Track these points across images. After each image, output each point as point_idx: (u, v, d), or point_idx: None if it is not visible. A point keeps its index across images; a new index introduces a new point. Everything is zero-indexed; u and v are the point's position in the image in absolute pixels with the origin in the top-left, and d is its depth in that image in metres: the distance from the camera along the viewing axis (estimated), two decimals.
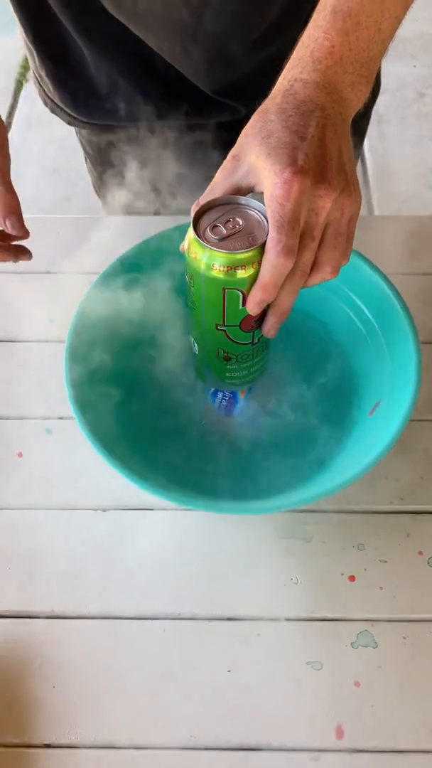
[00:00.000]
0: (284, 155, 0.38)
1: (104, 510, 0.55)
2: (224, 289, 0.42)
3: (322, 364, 0.57)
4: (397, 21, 0.43)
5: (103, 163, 0.78)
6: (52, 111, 0.71)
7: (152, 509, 0.55)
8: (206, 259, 0.41)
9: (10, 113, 1.94)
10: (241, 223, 0.41)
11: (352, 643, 0.49)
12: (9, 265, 0.70)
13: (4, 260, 0.54)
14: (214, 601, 0.51)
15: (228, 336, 0.46)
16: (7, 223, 0.51)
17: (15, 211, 0.51)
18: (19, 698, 0.47)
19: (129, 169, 0.76)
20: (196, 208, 0.42)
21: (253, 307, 0.42)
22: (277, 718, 0.47)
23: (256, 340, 0.47)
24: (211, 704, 0.47)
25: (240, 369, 0.49)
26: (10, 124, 1.88)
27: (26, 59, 2.20)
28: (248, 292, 0.42)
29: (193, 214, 0.42)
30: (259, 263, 0.40)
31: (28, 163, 1.82)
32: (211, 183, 0.43)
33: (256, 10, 0.58)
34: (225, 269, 0.41)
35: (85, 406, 0.50)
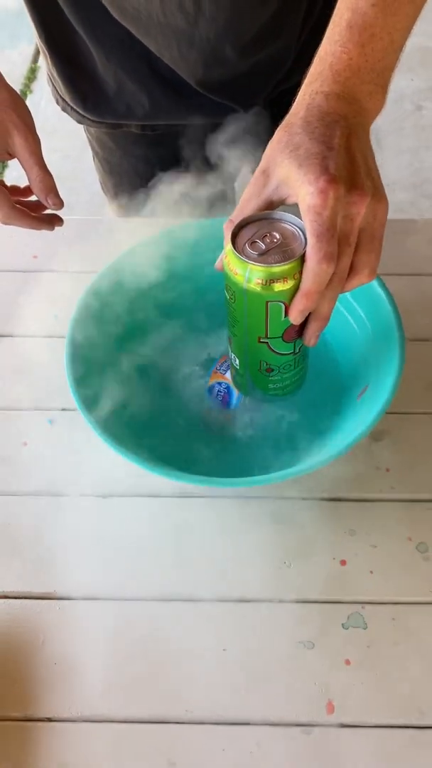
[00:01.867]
0: (316, 165, 0.39)
1: (104, 497, 0.57)
2: (267, 302, 0.44)
3: (314, 354, 0.59)
4: (408, 31, 0.45)
5: (110, 161, 0.81)
6: (63, 110, 0.75)
7: (151, 496, 0.57)
8: (248, 274, 0.43)
9: None
10: (278, 237, 0.43)
11: (342, 624, 0.51)
12: (14, 264, 0.73)
13: (41, 228, 0.62)
14: (209, 583, 0.53)
15: (270, 348, 0.47)
16: (48, 200, 0.60)
17: (53, 189, 0.60)
18: (22, 674, 0.49)
19: (135, 167, 0.78)
20: (231, 226, 0.44)
21: (296, 316, 0.44)
22: (270, 694, 0.49)
23: (297, 350, 0.48)
24: (206, 681, 0.49)
25: (282, 380, 0.50)
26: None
27: (30, 71, 2.23)
28: (290, 302, 0.43)
29: (228, 231, 0.44)
30: (300, 274, 0.42)
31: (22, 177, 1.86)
32: (242, 199, 0.44)
33: (247, 16, 0.61)
34: (267, 282, 0.42)
35: (86, 396, 0.52)
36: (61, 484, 0.58)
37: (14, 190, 0.62)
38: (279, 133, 0.42)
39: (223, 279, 0.46)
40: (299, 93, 0.44)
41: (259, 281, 0.43)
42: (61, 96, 0.73)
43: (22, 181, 0.63)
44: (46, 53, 0.70)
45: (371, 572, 0.53)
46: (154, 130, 0.73)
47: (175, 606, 0.52)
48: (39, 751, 0.46)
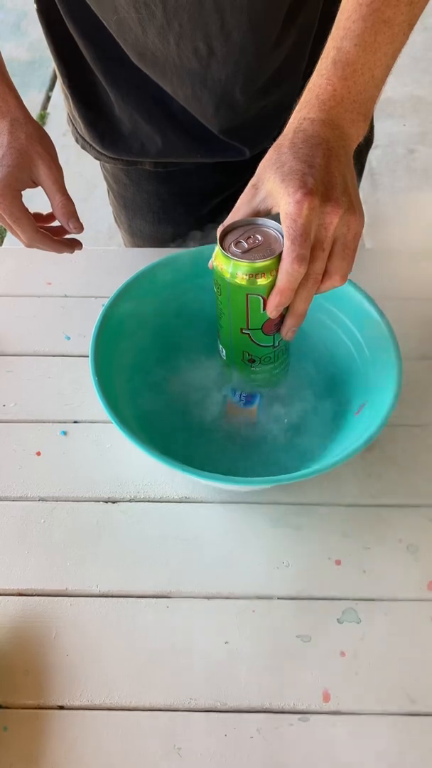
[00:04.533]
0: (296, 180, 0.45)
1: (114, 501, 0.61)
2: (247, 295, 0.49)
3: (316, 373, 0.64)
4: (388, 68, 0.51)
5: (124, 196, 0.87)
6: (83, 147, 0.81)
7: (157, 501, 0.61)
8: (231, 269, 0.49)
9: None
10: (260, 238, 0.49)
11: (338, 619, 0.54)
12: (30, 290, 0.78)
13: (62, 251, 0.68)
14: (213, 581, 0.56)
15: (252, 339, 0.53)
16: (70, 224, 0.65)
17: (74, 214, 0.65)
18: (35, 665, 0.52)
19: (147, 202, 0.84)
20: (221, 229, 0.50)
21: (272, 310, 0.49)
22: (270, 683, 0.51)
23: (277, 344, 0.54)
24: (209, 672, 0.52)
25: (263, 371, 0.56)
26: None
27: (40, 117, 2.33)
28: (268, 297, 0.49)
29: (218, 233, 0.50)
30: (276, 271, 0.47)
31: (41, 207, 1.94)
32: (234, 208, 0.50)
33: (256, 61, 0.67)
34: (247, 277, 0.48)
35: (112, 402, 0.55)
36: (72, 491, 0.61)
37: (38, 217, 0.67)
38: (269, 152, 0.48)
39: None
40: (290, 119, 0.50)
41: (242, 275, 0.48)
42: (80, 135, 0.80)
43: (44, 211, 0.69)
44: (69, 96, 0.76)
45: (364, 571, 0.57)
46: (166, 167, 0.79)
47: (180, 602, 0.55)
48: (51, 736, 0.49)
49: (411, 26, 0.51)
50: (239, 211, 0.50)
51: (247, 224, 0.50)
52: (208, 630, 0.54)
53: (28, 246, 0.66)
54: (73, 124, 0.81)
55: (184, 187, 0.76)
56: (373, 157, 2.08)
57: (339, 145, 0.48)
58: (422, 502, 0.61)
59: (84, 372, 0.61)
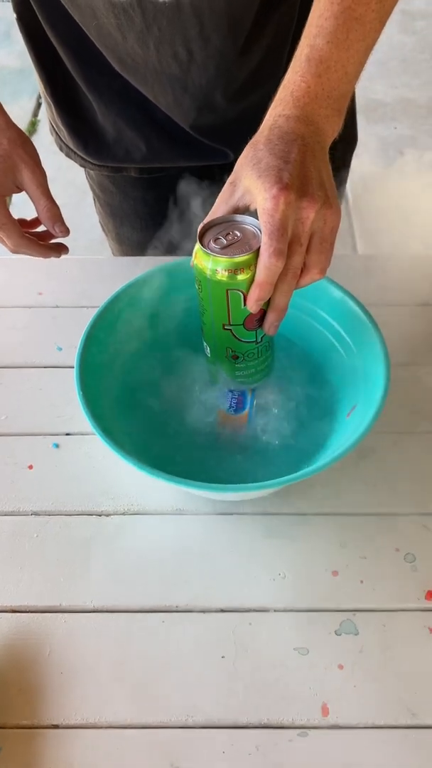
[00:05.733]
0: (272, 176, 0.45)
1: (108, 515, 0.60)
2: (227, 291, 0.50)
3: (308, 378, 0.63)
4: (361, 65, 0.51)
5: (111, 204, 0.86)
6: (67, 155, 0.80)
7: (151, 514, 0.60)
8: (211, 265, 0.49)
9: None
10: (238, 234, 0.49)
11: (335, 631, 0.54)
12: (21, 300, 0.77)
13: (49, 256, 0.67)
14: (209, 595, 0.55)
15: (234, 335, 0.53)
16: (56, 228, 0.65)
17: (59, 217, 0.65)
18: (29, 684, 0.51)
19: (134, 209, 0.83)
20: (201, 227, 0.50)
21: (252, 305, 0.49)
22: (267, 698, 0.51)
23: (260, 339, 0.54)
24: (206, 687, 0.51)
25: (248, 367, 0.56)
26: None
27: (31, 124, 2.33)
28: (248, 292, 0.49)
29: (198, 232, 0.50)
30: (255, 266, 0.48)
31: (33, 213, 1.93)
32: (213, 206, 0.50)
33: (235, 64, 0.67)
34: (227, 272, 0.49)
35: (97, 413, 0.54)
36: (65, 504, 0.61)
37: (22, 223, 0.67)
38: (246, 149, 0.48)
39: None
40: (266, 116, 0.50)
41: (221, 271, 0.49)
42: (65, 143, 0.79)
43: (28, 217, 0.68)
44: (51, 105, 0.76)
45: (362, 582, 0.56)
46: (151, 173, 0.79)
47: (176, 617, 0.54)
48: (45, 757, 0.48)
49: (382, 23, 0.51)
50: (218, 208, 0.50)
51: (226, 221, 0.50)
52: (204, 644, 0.53)
53: (14, 251, 0.66)
54: (56, 133, 0.80)
55: (169, 193, 0.76)
56: (364, 160, 2.08)
57: (314, 141, 0.48)
58: (419, 511, 0.60)
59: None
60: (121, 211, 0.86)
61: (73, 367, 0.69)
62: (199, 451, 0.59)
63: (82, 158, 0.79)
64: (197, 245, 0.50)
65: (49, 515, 0.60)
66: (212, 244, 0.49)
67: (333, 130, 0.50)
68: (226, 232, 0.50)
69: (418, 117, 2.27)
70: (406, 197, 1.98)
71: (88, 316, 0.63)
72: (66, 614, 0.55)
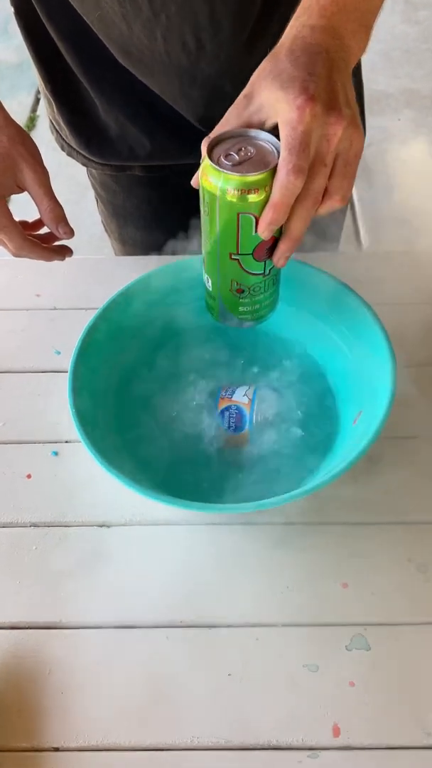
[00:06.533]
0: (296, 86, 0.41)
1: (109, 526, 0.58)
2: (238, 214, 0.45)
3: (311, 381, 0.61)
4: None
5: (113, 203, 0.84)
6: (69, 154, 0.78)
7: (153, 524, 0.58)
8: (221, 183, 0.44)
9: None
10: (252, 150, 0.44)
11: (346, 646, 0.52)
12: (18, 303, 0.75)
13: (52, 259, 0.64)
14: (214, 610, 0.53)
15: (241, 265, 0.48)
16: (60, 229, 0.62)
17: (63, 218, 0.62)
18: (29, 704, 0.50)
19: (138, 208, 0.81)
20: (208, 141, 0.45)
21: (264, 229, 0.44)
22: (276, 718, 0.49)
23: (267, 272, 0.49)
24: (212, 707, 0.49)
25: (252, 303, 0.51)
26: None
27: (30, 120, 2.30)
28: (260, 216, 0.44)
29: (205, 145, 0.45)
30: (270, 187, 0.43)
31: (33, 215, 1.91)
32: (223, 118, 0.46)
33: (246, 52, 0.64)
34: (239, 192, 0.43)
35: (89, 425, 0.53)
36: (65, 515, 0.59)
37: (24, 225, 0.64)
38: (264, 62, 0.45)
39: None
40: (287, 27, 0.46)
41: (232, 191, 0.44)
42: (66, 141, 0.77)
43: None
44: (51, 101, 0.73)
45: (373, 594, 0.54)
46: (153, 171, 0.76)
47: (180, 632, 0.52)
48: None
49: None
50: (229, 121, 0.45)
51: (239, 135, 0.45)
52: (210, 661, 0.51)
53: (16, 255, 0.63)
54: (57, 131, 0.78)
55: (174, 192, 0.73)
56: (367, 152, 2.05)
57: (339, 57, 0.44)
58: (431, 519, 0.58)
59: None
60: (125, 211, 0.83)
61: None
62: (198, 462, 0.57)
63: (85, 157, 0.76)
64: (205, 160, 0.44)
65: (49, 526, 0.58)
66: (223, 160, 0.44)
67: (359, 47, 0.46)
68: (238, 148, 0.44)
69: (423, 108, 2.23)
70: (412, 192, 1.95)
71: (88, 319, 0.61)
72: (66, 631, 0.53)
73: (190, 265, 0.61)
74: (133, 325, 0.62)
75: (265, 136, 0.45)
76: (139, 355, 0.62)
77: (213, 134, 0.45)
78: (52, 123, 0.78)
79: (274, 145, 0.44)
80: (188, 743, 0.48)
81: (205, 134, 0.71)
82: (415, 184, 1.98)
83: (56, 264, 0.79)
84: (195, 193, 0.76)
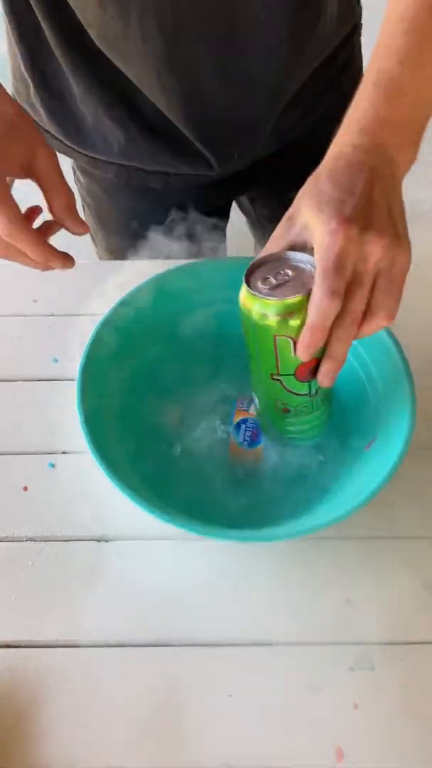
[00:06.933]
0: (332, 208, 0.41)
1: (107, 540, 0.57)
2: (275, 337, 0.44)
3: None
4: None
5: (99, 213, 0.82)
6: (46, 141, 0.76)
7: (153, 539, 0.57)
8: (257, 308, 0.44)
9: None
10: (290, 273, 0.44)
11: (350, 666, 0.50)
12: (14, 308, 0.73)
13: (48, 266, 0.55)
14: (213, 628, 0.52)
15: (284, 386, 0.47)
16: (76, 225, 0.54)
17: (76, 212, 0.55)
18: (24, 726, 0.48)
19: (125, 218, 0.79)
20: (249, 266, 0.45)
21: (302, 352, 0.44)
22: (278, 740, 0.48)
23: (314, 392, 0.48)
24: (213, 729, 0.48)
25: (300, 422, 0.50)
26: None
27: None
28: (298, 339, 0.44)
29: (246, 271, 0.45)
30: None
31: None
32: (268, 241, 0.46)
33: (230, 41, 0.61)
34: (275, 316, 0.43)
35: (97, 437, 0.52)
36: (62, 529, 0.57)
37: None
38: (307, 182, 0.44)
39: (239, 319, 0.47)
40: (330, 147, 0.45)
41: (268, 315, 0.43)
42: (41, 126, 0.74)
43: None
44: (29, 82, 0.70)
45: (377, 612, 0.53)
46: (136, 178, 0.74)
47: (179, 651, 0.51)
48: None
49: None
50: (272, 245, 0.45)
51: (277, 259, 0.45)
52: (210, 681, 0.50)
53: (7, 241, 0.51)
54: (32, 114, 0.75)
55: (160, 204, 0.71)
56: None
57: (385, 173, 0.43)
58: None
59: (73, 397, 0.56)
60: (110, 220, 0.81)
61: (69, 380, 0.66)
62: (206, 482, 0.56)
63: (62, 142, 0.74)
64: (243, 286, 0.45)
65: (46, 541, 0.57)
66: (260, 285, 0.44)
67: (407, 160, 0.45)
68: (276, 271, 0.44)
69: None
70: (419, 191, 1.93)
71: (86, 325, 0.59)
72: (63, 649, 0.52)
73: (203, 268, 0.60)
74: (140, 330, 0.60)
75: (305, 258, 0.44)
76: (147, 363, 0.60)
77: (255, 259, 0.45)
78: (28, 105, 0.74)
79: (312, 266, 0.43)
80: (188, 766, 0.47)
81: (182, 136, 0.70)
82: (424, 182, 1.95)
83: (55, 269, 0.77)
84: (179, 206, 0.74)
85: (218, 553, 0.56)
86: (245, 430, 0.56)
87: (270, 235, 0.46)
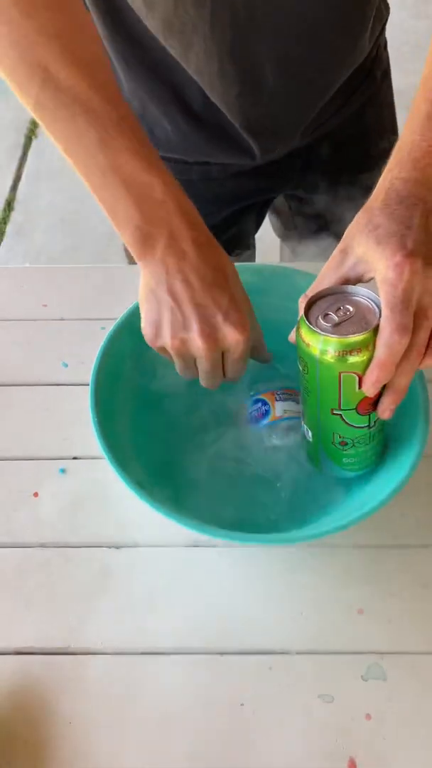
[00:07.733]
0: (394, 242, 0.41)
1: (117, 547, 0.57)
2: (340, 374, 0.44)
3: None
4: None
5: None
6: None
7: (163, 546, 0.56)
8: (320, 345, 0.44)
9: (20, 167, 2.02)
10: (351, 309, 0.44)
11: (362, 676, 0.50)
12: (24, 313, 0.73)
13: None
14: (225, 636, 0.52)
15: (344, 420, 0.47)
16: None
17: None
18: (35, 734, 0.48)
19: None
20: (305, 300, 0.45)
21: (370, 388, 0.44)
22: (290, 751, 0.47)
23: (372, 423, 0.48)
24: (224, 738, 0.48)
25: (357, 453, 0.50)
26: (19, 176, 1.96)
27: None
28: (363, 374, 0.44)
29: (302, 305, 0.45)
30: (374, 345, 0.43)
31: (38, 214, 1.89)
32: (319, 275, 0.46)
33: (297, 40, 0.62)
34: (339, 354, 0.43)
35: (111, 441, 0.51)
36: (74, 535, 0.57)
37: None
38: (359, 216, 0.44)
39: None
40: (379, 180, 0.46)
41: (333, 352, 0.43)
42: None
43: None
44: None
45: (390, 621, 0.52)
46: (180, 173, 0.74)
47: (191, 659, 0.51)
48: None
49: None
50: (325, 278, 0.45)
51: (335, 293, 0.45)
52: (223, 690, 0.50)
53: (212, 371, 0.52)
54: None
55: (192, 195, 0.71)
56: None
57: None
58: None
59: (83, 402, 0.56)
60: None
61: (79, 385, 0.66)
62: (226, 487, 0.56)
63: None
64: (303, 321, 0.44)
65: (56, 547, 0.57)
66: (321, 321, 0.44)
67: None
68: (337, 307, 0.44)
69: None
70: None
71: (96, 330, 0.59)
72: (74, 656, 0.52)
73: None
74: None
75: (364, 293, 0.44)
76: (161, 366, 0.60)
77: (309, 292, 0.45)
78: None
79: (374, 302, 0.44)
80: None
81: (229, 125, 0.69)
82: None
83: (63, 273, 0.77)
84: (215, 197, 0.73)
85: (230, 560, 0.56)
86: (257, 409, 0.57)
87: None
